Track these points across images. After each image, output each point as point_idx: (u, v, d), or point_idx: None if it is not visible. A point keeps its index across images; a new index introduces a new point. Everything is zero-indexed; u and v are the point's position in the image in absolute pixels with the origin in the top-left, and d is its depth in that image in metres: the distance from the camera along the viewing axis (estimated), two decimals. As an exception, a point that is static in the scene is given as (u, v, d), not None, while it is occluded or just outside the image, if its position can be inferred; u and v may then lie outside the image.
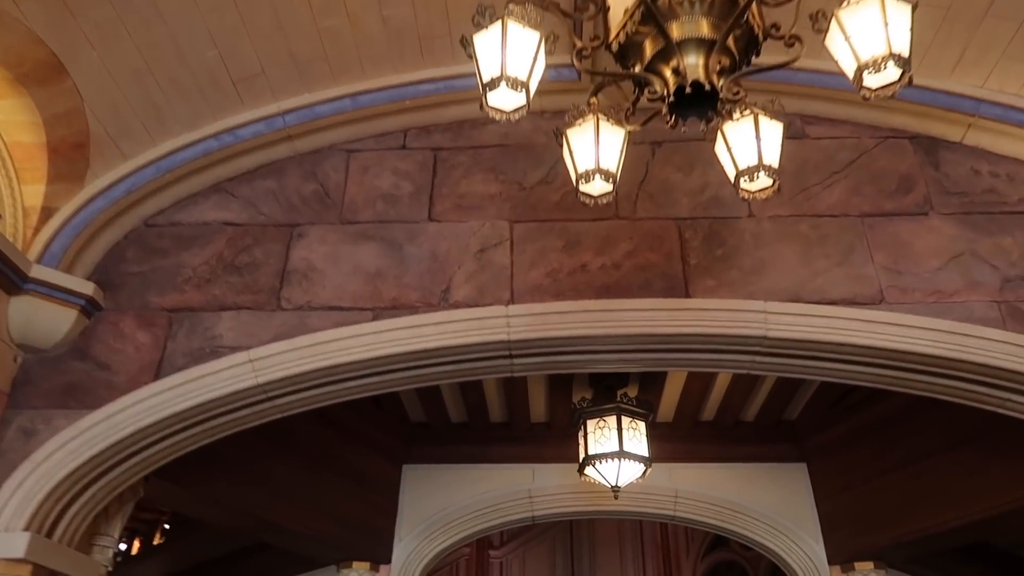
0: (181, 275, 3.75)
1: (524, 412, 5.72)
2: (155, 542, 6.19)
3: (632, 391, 5.01)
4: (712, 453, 5.83)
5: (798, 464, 5.77)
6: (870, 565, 5.24)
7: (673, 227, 3.77)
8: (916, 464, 4.81)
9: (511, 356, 3.60)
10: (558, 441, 5.90)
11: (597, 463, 4.53)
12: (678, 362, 3.69)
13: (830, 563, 5.41)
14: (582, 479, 4.80)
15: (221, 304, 3.66)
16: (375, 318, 3.57)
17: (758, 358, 3.58)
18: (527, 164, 4.01)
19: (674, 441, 5.79)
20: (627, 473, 4.55)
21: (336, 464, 5.25)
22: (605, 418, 4.60)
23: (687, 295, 3.54)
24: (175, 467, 3.99)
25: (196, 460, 4.21)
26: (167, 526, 6.12)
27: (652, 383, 5.11)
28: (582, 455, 4.67)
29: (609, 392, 4.72)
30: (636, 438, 4.58)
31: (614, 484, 4.56)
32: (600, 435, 4.57)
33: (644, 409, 4.69)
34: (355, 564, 5.43)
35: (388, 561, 5.57)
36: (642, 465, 4.56)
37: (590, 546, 13.53)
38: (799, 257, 3.62)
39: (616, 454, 4.47)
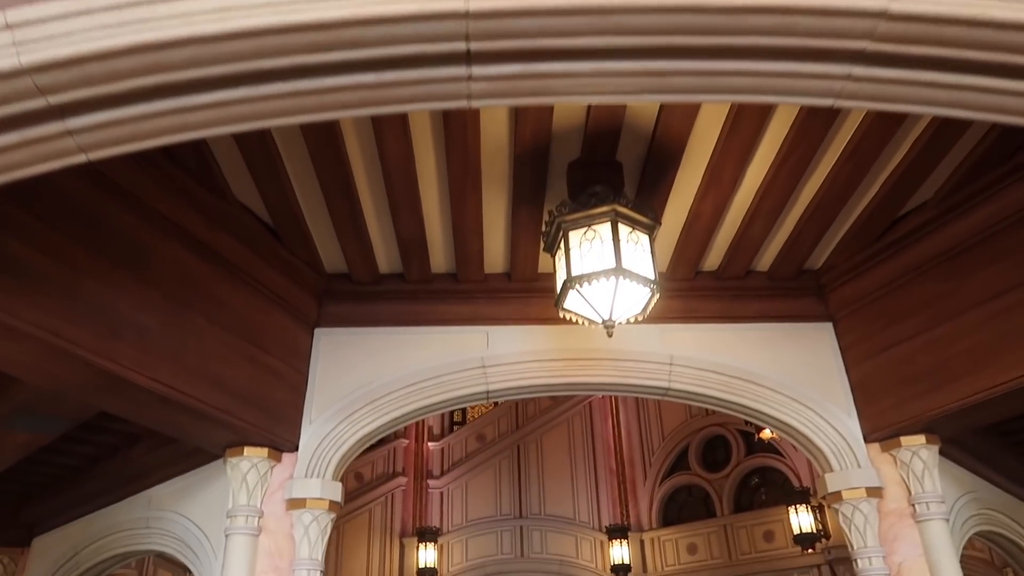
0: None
1: (476, 256, 4.33)
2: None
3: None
4: (716, 311, 4.58)
5: (823, 324, 4.58)
6: (920, 439, 4.12)
7: None
8: (995, 300, 3.65)
9: (469, 58, 2.20)
10: (520, 296, 4.56)
11: (583, 286, 3.19)
12: (729, 81, 2.34)
13: (867, 440, 4.26)
14: (561, 315, 3.46)
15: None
16: (240, -27, 2.11)
17: (858, 69, 2.25)
18: None
19: (669, 295, 4.51)
20: (625, 301, 3.23)
21: (218, 313, 3.79)
22: (595, 227, 3.26)
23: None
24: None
25: (-29, 261, 2.71)
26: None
27: (653, 194, 3.77)
28: (561, 279, 3.32)
29: (595, 201, 3.36)
30: (638, 254, 3.27)
31: (607, 318, 3.25)
32: (588, 250, 3.24)
33: (648, 217, 3.37)
34: (247, 450, 4.01)
35: (294, 448, 4.17)
36: (647, 289, 3.25)
37: (539, 475, 12.43)
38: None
39: (612, 272, 3.15)
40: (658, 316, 4.48)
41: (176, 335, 3.51)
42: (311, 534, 3.96)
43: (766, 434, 7.98)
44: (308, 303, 4.45)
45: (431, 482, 11.89)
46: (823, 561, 9.58)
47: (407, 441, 11.94)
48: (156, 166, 3.40)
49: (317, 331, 4.50)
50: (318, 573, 3.94)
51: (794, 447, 9.05)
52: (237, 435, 3.93)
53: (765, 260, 4.54)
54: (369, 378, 4.37)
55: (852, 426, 4.29)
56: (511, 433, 12.30)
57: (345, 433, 4.22)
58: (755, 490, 10.88)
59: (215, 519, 4.09)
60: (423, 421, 12.27)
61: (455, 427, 12.73)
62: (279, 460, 4.12)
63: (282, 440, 4.09)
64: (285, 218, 3.99)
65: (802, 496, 9.55)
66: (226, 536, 3.88)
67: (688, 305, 4.57)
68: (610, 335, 3.29)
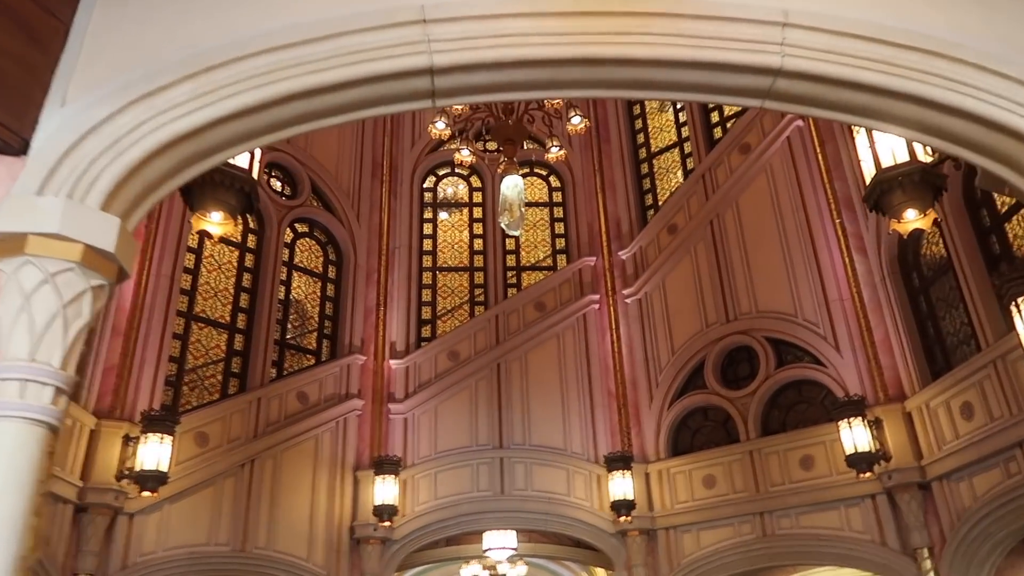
0: None
1: None
2: None
3: None
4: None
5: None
6: None
7: None
8: None
9: None
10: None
11: None
12: None
13: None
14: None
15: None
16: None
17: None
18: None
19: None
20: None
21: None
22: None
23: None
24: None
25: None
26: None
27: None
28: None
29: None
30: None
31: None
32: None
33: None
34: None
35: (21, 148, 2.01)
36: None
37: (523, 398, 10.23)
38: None
39: None
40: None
41: None
42: (37, 310, 1.81)
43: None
44: None
45: (393, 406, 9.77)
46: (879, 489, 7.58)
47: (364, 358, 9.82)
48: None
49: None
50: (51, 392, 1.80)
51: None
52: None
53: None
54: (201, 35, 2.20)
55: None
56: (490, 349, 10.17)
57: (138, 127, 2.05)
58: (788, 409, 8.86)
59: None
60: (383, 334, 10.10)
61: (423, 343, 10.56)
62: (-16, 166, 1.97)
63: (-11, 124, 1.93)
64: None
65: (856, 407, 7.54)
66: None
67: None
68: None
